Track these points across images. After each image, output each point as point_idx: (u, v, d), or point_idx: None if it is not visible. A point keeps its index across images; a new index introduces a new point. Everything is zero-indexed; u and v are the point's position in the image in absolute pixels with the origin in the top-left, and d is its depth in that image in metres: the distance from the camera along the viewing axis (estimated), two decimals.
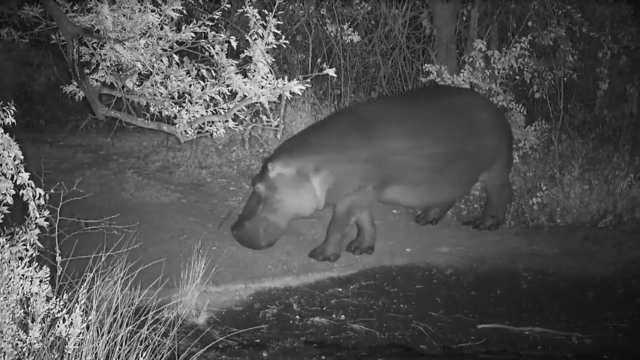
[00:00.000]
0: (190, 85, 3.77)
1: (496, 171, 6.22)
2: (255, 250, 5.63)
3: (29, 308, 2.94)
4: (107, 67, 3.80)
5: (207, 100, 3.75)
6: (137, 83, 3.86)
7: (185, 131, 3.80)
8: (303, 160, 5.49)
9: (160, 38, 3.63)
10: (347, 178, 5.57)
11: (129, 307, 3.37)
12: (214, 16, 3.60)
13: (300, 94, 3.50)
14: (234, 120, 3.77)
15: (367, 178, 5.59)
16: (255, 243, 5.64)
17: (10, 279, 2.92)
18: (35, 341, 2.89)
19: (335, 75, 3.51)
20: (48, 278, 3.01)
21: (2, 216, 3.03)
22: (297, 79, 3.46)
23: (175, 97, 3.81)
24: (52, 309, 2.97)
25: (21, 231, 3.08)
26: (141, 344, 3.13)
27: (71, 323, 2.94)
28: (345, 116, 5.92)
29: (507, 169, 6.43)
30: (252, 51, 3.47)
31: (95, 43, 3.78)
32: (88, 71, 3.82)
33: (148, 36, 3.60)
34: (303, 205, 5.62)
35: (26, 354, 2.89)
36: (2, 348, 2.83)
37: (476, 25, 7.64)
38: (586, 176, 6.89)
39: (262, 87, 3.52)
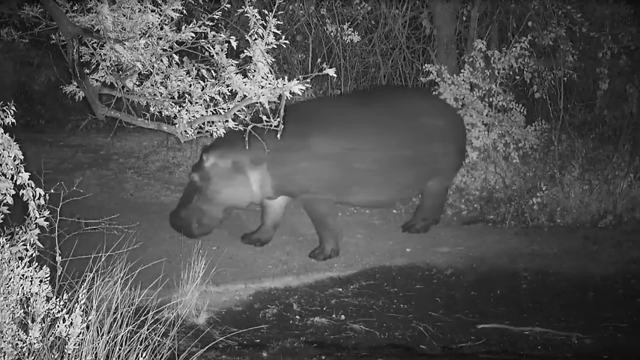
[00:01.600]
0: (190, 85, 3.77)
1: (446, 176, 6.20)
2: (190, 238, 5.62)
3: (29, 308, 2.94)
4: (107, 67, 3.79)
5: (207, 100, 3.75)
6: (137, 83, 3.86)
7: (185, 131, 3.79)
8: (240, 152, 5.47)
9: (160, 38, 3.63)
10: (284, 175, 5.62)
11: (129, 307, 3.37)
12: (214, 16, 3.59)
13: (300, 94, 3.50)
14: (234, 120, 3.76)
15: (307, 176, 5.64)
16: (189, 231, 5.69)
17: (10, 279, 2.92)
18: (35, 341, 2.89)
19: (335, 75, 3.50)
20: (48, 278, 3.01)
21: (2, 216, 3.03)
22: (297, 79, 3.46)
23: (175, 97, 3.81)
24: (52, 309, 2.97)
25: (21, 231, 3.08)
26: (141, 344, 3.13)
27: (71, 323, 2.94)
28: (289, 114, 5.97)
29: (453, 175, 6.39)
30: (252, 51, 3.47)
31: (95, 43, 3.77)
32: (88, 71, 3.82)
33: (148, 36, 3.59)
34: (237, 196, 5.69)
35: (26, 354, 2.89)
36: (2, 348, 2.83)
37: (476, 25, 7.63)
38: (586, 176, 6.89)
39: (262, 87, 3.52)
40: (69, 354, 2.94)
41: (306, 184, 5.62)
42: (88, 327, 3.01)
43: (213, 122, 3.82)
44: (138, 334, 3.17)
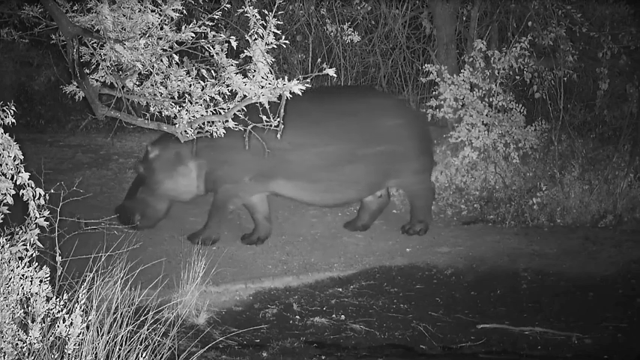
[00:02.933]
0: (190, 85, 3.77)
1: (410, 177, 6.11)
2: (134, 229, 5.62)
3: (29, 308, 2.94)
4: (107, 67, 3.79)
5: (207, 100, 3.75)
6: (137, 83, 3.85)
7: (185, 131, 3.79)
8: (183, 145, 5.52)
9: (160, 38, 3.63)
10: (223, 168, 5.71)
11: (129, 307, 3.37)
12: (214, 16, 3.59)
13: (300, 94, 3.50)
14: (234, 120, 3.76)
15: (245, 170, 5.67)
16: (132, 223, 5.72)
17: (10, 279, 2.92)
18: (35, 341, 2.89)
19: (335, 75, 3.50)
20: (48, 278, 3.01)
21: (2, 216, 3.03)
22: (297, 79, 3.45)
23: (175, 97, 3.81)
24: (52, 309, 2.97)
25: (21, 231, 3.08)
26: (141, 344, 3.13)
27: (71, 323, 2.94)
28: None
29: (423, 174, 6.24)
30: (252, 51, 3.46)
31: (95, 43, 3.77)
32: (88, 71, 3.81)
33: (148, 36, 3.59)
34: (180, 188, 5.79)
35: (26, 354, 2.89)
36: (2, 348, 2.83)
37: (476, 25, 7.64)
38: (586, 176, 6.89)
39: (262, 87, 3.52)
40: (69, 354, 2.94)
41: (241, 176, 5.70)
42: (88, 327, 3.01)
43: (213, 122, 3.81)
44: (138, 334, 3.17)
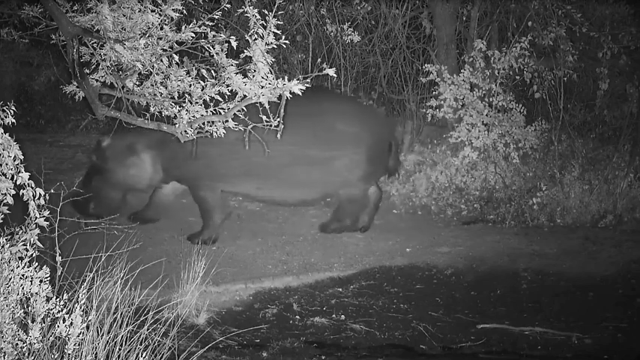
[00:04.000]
0: (190, 85, 3.77)
1: (357, 184, 6.05)
2: (88, 218, 5.58)
3: (29, 308, 2.94)
4: (107, 67, 3.79)
5: (207, 100, 3.75)
6: (137, 83, 3.85)
7: (185, 131, 3.79)
8: (136, 136, 5.64)
9: (160, 38, 3.63)
10: (174, 161, 5.79)
11: (129, 307, 3.37)
12: (214, 16, 3.59)
13: (300, 94, 3.50)
14: (234, 120, 3.76)
15: (195, 163, 5.72)
16: (86, 212, 5.77)
17: (10, 279, 2.92)
18: (35, 341, 2.89)
19: (335, 75, 3.50)
20: (48, 278, 3.00)
21: (2, 216, 3.03)
22: (297, 79, 3.45)
23: (175, 97, 3.81)
24: (52, 309, 2.97)
25: (21, 231, 3.08)
26: (141, 344, 3.13)
27: (71, 323, 2.94)
28: None
29: (369, 183, 6.19)
30: (252, 51, 3.46)
31: (95, 43, 3.77)
32: (88, 71, 3.81)
33: (148, 36, 3.59)
34: (132, 178, 5.88)
35: (26, 354, 2.89)
36: (2, 348, 2.83)
37: (476, 25, 7.64)
38: (586, 176, 6.89)
39: (262, 87, 3.51)
40: (69, 354, 2.94)
41: (193, 170, 5.76)
42: (88, 327, 3.01)
43: (213, 122, 3.81)
44: (138, 334, 3.17)
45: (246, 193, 6.15)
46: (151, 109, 3.87)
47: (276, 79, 3.50)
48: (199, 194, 5.91)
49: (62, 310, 2.97)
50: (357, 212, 6.25)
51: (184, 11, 3.63)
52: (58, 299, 2.99)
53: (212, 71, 3.73)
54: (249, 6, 3.41)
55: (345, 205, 6.18)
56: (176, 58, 3.72)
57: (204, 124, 3.82)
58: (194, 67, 3.78)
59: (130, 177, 5.89)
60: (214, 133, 3.82)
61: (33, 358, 2.91)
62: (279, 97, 3.52)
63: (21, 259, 3.00)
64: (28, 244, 3.05)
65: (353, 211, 6.24)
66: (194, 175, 5.82)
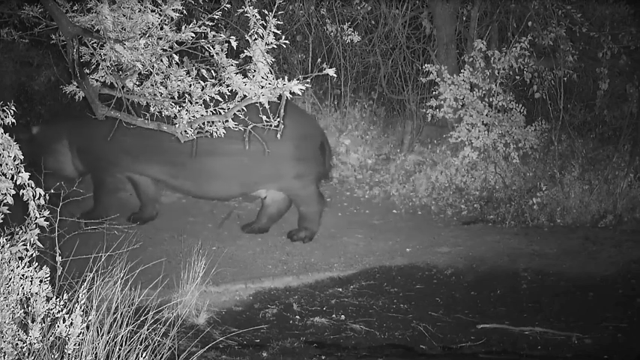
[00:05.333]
0: (190, 85, 3.76)
1: (289, 182, 5.93)
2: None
3: (29, 308, 2.94)
4: (107, 67, 3.79)
5: (207, 100, 3.75)
6: (137, 83, 3.85)
7: (185, 131, 3.79)
8: (60, 125, 6.01)
9: (160, 38, 3.63)
10: (85, 151, 6.01)
11: (129, 307, 3.37)
12: (214, 16, 3.59)
13: (300, 94, 3.49)
14: (234, 120, 3.76)
15: (107, 156, 5.87)
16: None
17: (10, 279, 2.92)
18: (35, 341, 2.89)
19: (335, 75, 3.50)
20: (48, 278, 3.00)
21: (2, 216, 3.03)
22: (297, 79, 3.45)
23: (175, 97, 3.81)
24: (52, 309, 2.97)
25: (21, 231, 3.08)
26: (141, 344, 3.13)
27: (71, 323, 2.94)
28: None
29: (304, 180, 5.99)
30: (252, 51, 3.46)
31: (95, 43, 3.77)
32: (88, 71, 3.81)
33: (148, 36, 3.59)
34: (57, 165, 5.97)
35: (26, 354, 2.89)
36: (2, 348, 2.83)
37: (476, 25, 7.64)
38: (586, 176, 6.89)
39: (262, 87, 3.51)
40: (69, 354, 2.94)
41: (99, 153, 5.93)
42: (88, 327, 3.01)
43: (213, 122, 3.81)
44: (138, 334, 3.17)
45: (162, 180, 6.08)
46: (151, 109, 3.87)
47: (276, 79, 3.50)
48: (96, 174, 6.09)
49: (62, 310, 2.97)
50: (317, 212, 6.14)
51: (184, 11, 3.63)
52: (58, 299, 2.99)
53: (212, 71, 3.73)
54: (249, 6, 3.41)
55: (303, 208, 6.06)
56: (176, 58, 3.72)
57: (204, 124, 3.82)
58: (194, 67, 3.78)
59: (56, 164, 5.98)
60: (214, 133, 3.82)
61: (33, 358, 2.91)
62: (279, 97, 3.52)
63: (21, 259, 3.00)
64: (28, 244, 3.05)
65: (314, 212, 6.10)
66: (97, 157, 6.01)
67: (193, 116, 3.77)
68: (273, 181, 5.92)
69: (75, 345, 2.94)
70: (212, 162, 5.74)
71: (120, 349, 3.10)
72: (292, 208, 6.29)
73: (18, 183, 3.06)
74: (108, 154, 5.90)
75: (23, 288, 2.93)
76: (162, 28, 3.60)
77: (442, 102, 7.20)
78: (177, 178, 5.92)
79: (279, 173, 5.85)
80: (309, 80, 3.48)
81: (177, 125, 3.79)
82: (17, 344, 2.87)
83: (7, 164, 3.06)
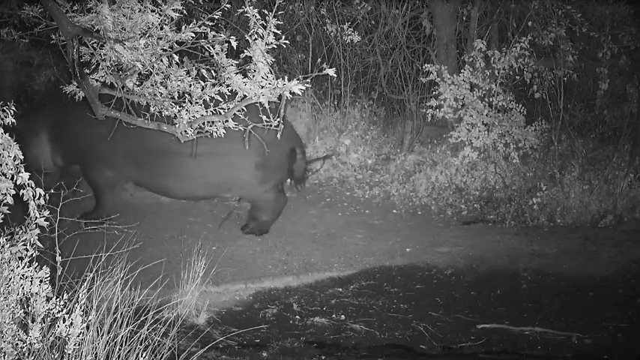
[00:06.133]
0: (190, 85, 3.77)
1: (249, 189, 5.99)
2: None
3: (29, 308, 2.94)
4: (107, 67, 3.79)
5: (207, 100, 3.75)
6: (137, 83, 3.85)
7: (185, 131, 3.79)
8: (39, 117, 6.03)
9: (160, 38, 3.63)
10: (64, 145, 6.03)
11: (129, 307, 3.37)
12: (214, 16, 3.59)
13: (300, 94, 3.50)
14: (234, 120, 3.76)
15: (86, 152, 5.92)
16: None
17: (10, 279, 2.92)
18: (35, 341, 2.89)
19: (335, 75, 3.50)
20: (48, 278, 3.01)
21: (2, 216, 3.03)
22: (297, 79, 3.45)
23: (175, 97, 3.81)
24: (52, 309, 2.97)
25: (21, 231, 3.08)
26: (141, 344, 3.13)
27: (71, 323, 2.94)
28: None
29: (265, 189, 6.02)
30: (252, 51, 3.46)
31: (95, 43, 3.77)
32: (88, 71, 3.82)
33: (148, 36, 3.59)
34: (34, 158, 5.96)
35: (26, 354, 2.89)
36: (2, 348, 2.83)
37: (476, 25, 7.64)
38: (586, 176, 6.89)
39: (262, 87, 3.51)
40: (69, 354, 2.94)
41: (83, 152, 5.97)
42: (88, 327, 3.01)
43: (213, 122, 3.81)
44: (138, 334, 3.17)
45: (138, 181, 6.12)
46: (151, 109, 3.88)
47: (276, 79, 3.50)
48: (88, 173, 6.07)
49: (62, 310, 2.97)
50: (278, 207, 6.16)
51: (184, 11, 3.63)
52: (58, 299, 2.99)
53: (212, 71, 3.73)
54: (249, 6, 3.42)
55: (256, 206, 6.10)
56: (176, 58, 3.72)
57: (204, 124, 3.82)
58: (194, 67, 3.78)
59: (33, 157, 5.98)
60: (214, 133, 3.82)
61: (33, 358, 2.91)
62: (279, 97, 3.52)
63: (21, 259, 3.00)
64: (28, 244, 3.05)
65: (269, 210, 6.12)
66: (83, 156, 6.04)
67: (193, 116, 3.77)
68: (235, 186, 5.94)
69: (75, 345, 2.94)
70: (179, 162, 5.76)
71: (120, 349, 3.10)
72: (293, 209, 6.30)
73: (18, 183, 3.06)
74: (84, 148, 5.94)
75: (23, 288, 2.93)
76: (162, 28, 3.60)
77: (442, 102, 7.20)
78: (152, 178, 5.95)
79: (240, 178, 5.88)
80: (309, 80, 3.48)
81: (177, 125, 3.79)
82: (17, 344, 2.87)
83: (7, 164, 3.06)
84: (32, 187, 3.10)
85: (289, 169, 6.12)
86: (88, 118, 5.62)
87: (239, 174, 5.86)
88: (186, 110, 3.76)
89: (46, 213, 3.12)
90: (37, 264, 3.01)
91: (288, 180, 6.27)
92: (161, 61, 3.69)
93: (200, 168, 5.76)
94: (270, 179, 6.02)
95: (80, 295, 3.06)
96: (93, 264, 3.57)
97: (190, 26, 3.60)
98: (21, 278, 2.94)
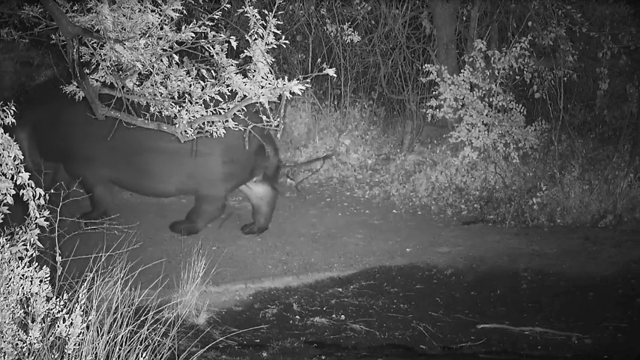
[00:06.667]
0: (190, 85, 3.76)
1: (205, 185, 5.93)
2: None
3: (29, 308, 2.94)
4: (107, 67, 3.79)
5: (207, 100, 3.75)
6: (137, 83, 3.85)
7: (185, 131, 3.79)
8: (24, 111, 5.85)
9: (160, 38, 3.63)
10: (41, 141, 6.02)
11: (129, 307, 3.37)
12: (214, 16, 3.59)
13: (300, 94, 3.49)
14: (234, 120, 3.76)
15: (62, 148, 5.91)
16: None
17: (10, 279, 2.92)
18: (35, 341, 2.89)
19: (335, 75, 3.50)
20: (48, 278, 3.00)
21: (2, 216, 3.03)
22: (297, 79, 3.45)
23: (175, 97, 3.81)
24: (52, 309, 2.97)
25: (21, 231, 3.08)
26: (141, 344, 3.13)
27: (71, 323, 2.93)
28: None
29: (225, 183, 5.98)
30: (252, 51, 3.46)
31: (95, 43, 3.77)
32: (88, 71, 3.81)
33: (148, 36, 3.59)
34: (22, 151, 5.94)
35: (26, 354, 2.89)
36: (2, 348, 2.83)
37: (476, 25, 7.64)
38: (586, 176, 6.89)
39: (262, 87, 3.51)
40: (69, 354, 2.94)
41: (61, 150, 5.95)
42: (88, 327, 3.01)
43: (213, 122, 3.81)
44: (138, 334, 3.17)
45: (111, 178, 6.10)
46: (151, 109, 3.87)
47: (276, 79, 3.50)
48: (72, 172, 5.99)
49: (62, 310, 2.97)
50: (216, 214, 6.09)
51: (184, 11, 3.63)
52: (58, 299, 2.99)
53: (212, 71, 3.73)
54: (249, 6, 3.42)
55: (200, 205, 6.03)
56: (176, 58, 3.72)
57: (204, 124, 3.82)
58: (194, 67, 3.78)
59: (25, 151, 5.95)
60: (214, 133, 3.82)
61: (33, 358, 2.91)
62: (279, 97, 3.52)
63: (21, 259, 3.00)
64: (28, 244, 3.05)
65: (209, 213, 6.06)
66: (62, 154, 6.01)
67: (193, 116, 3.77)
68: (201, 183, 5.89)
69: (75, 345, 2.94)
70: (149, 160, 5.78)
71: (120, 349, 3.10)
72: (293, 209, 6.30)
73: (18, 183, 3.06)
74: (62, 146, 5.94)
75: (23, 288, 2.93)
76: (162, 28, 3.60)
77: (442, 102, 7.20)
78: (122, 174, 5.96)
79: (206, 174, 5.84)
80: (309, 80, 3.48)
81: (177, 125, 3.79)
82: (17, 344, 2.87)
83: (7, 164, 3.06)
84: (32, 187, 3.09)
85: (259, 167, 6.01)
86: (66, 116, 5.65)
87: (205, 171, 5.81)
88: (186, 110, 3.76)
89: (46, 213, 3.12)
90: (37, 264, 3.01)
91: (260, 176, 6.17)
92: (161, 61, 3.69)
93: (168, 165, 5.77)
94: (235, 177, 5.97)
95: (80, 295, 3.06)
96: (93, 264, 3.57)
97: (190, 26, 3.60)
98: (21, 278, 2.94)
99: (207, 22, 3.58)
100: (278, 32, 3.47)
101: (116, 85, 3.84)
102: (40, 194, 3.11)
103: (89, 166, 5.97)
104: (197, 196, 6.05)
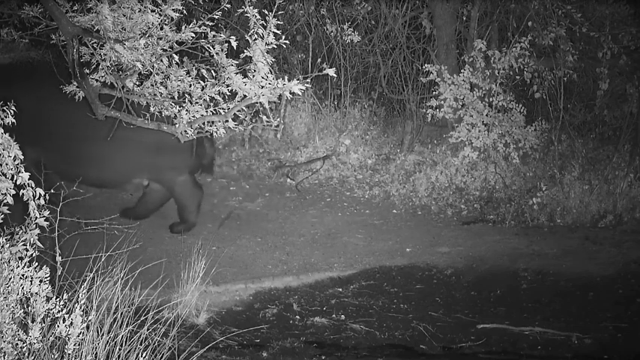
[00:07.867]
0: (190, 85, 3.77)
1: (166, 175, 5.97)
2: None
3: (29, 308, 2.94)
4: (107, 67, 3.79)
5: (207, 100, 3.75)
6: (137, 83, 3.85)
7: (185, 131, 3.79)
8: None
9: (160, 38, 3.63)
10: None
11: (129, 307, 3.37)
12: (214, 16, 3.59)
13: (300, 94, 3.50)
14: (234, 120, 3.76)
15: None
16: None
17: (10, 279, 2.92)
18: (35, 341, 2.89)
19: (335, 75, 3.51)
20: (48, 278, 3.00)
21: (2, 216, 3.03)
22: (297, 79, 3.46)
23: (175, 97, 3.81)
24: (52, 309, 2.97)
25: (21, 231, 3.08)
26: (141, 344, 3.13)
27: (71, 323, 2.94)
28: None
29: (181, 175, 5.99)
30: (252, 51, 3.47)
31: (95, 43, 3.77)
32: (88, 71, 3.82)
33: (148, 36, 3.59)
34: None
35: (26, 354, 2.89)
36: (2, 348, 2.83)
37: (476, 25, 7.64)
38: (586, 176, 6.89)
39: (262, 87, 3.52)
40: (69, 354, 2.94)
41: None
42: (88, 327, 3.01)
43: (213, 122, 3.82)
44: (138, 334, 3.17)
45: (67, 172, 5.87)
46: (151, 109, 3.88)
47: (276, 79, 3.51)
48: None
49: (62, 310, 2.97)
50: (195, 200, 6.07)
51: (184, 11, 3.63)
52: (58, 299, 2.99)
53: (212, 71, 3.73)
54: (249, 6, 3.42)
55: (179, 202, 6.04)
56: (176, 58, 3.72)
57: (204, 124, 3.82)
58: (194, 67, 3.78)
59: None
60: (214, 133, 3.83)
61: (33, 358, 2.91)
62: (279, 97, 3.52)
63: (21, 259, 3.00)
64: (28, 244, 3.05)
65: (187, 206, 6.05)
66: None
67: (193, 116, 3.77)
68: (146, 173, 5.89)
69: (75, 345, 2.94)
70: (102, 151, 5.68)
71: (120, 349, 3.10)
72: (293, 209, 6.29)
73: (18, 183, 3.06)
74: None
75: (23, 288, 2.93)
76: (162, 28, 3.60)
77: (442, 102, 7.20)
78: (80, 169, 5.76)
79: (149, 165, 5.81)
80: (309, 80, 3.48)
81: (177, 125, 3.79)
82: (17, 344, 2.87)
83: (7, 164, 3.06)
84: (32, 187, 3.10)
85: (197, 156, 5.98)
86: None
87: (146, 161, 5.77)
88: (186, 110, 3.76)
89: (46, 213, 3.12)
90: (37, 264, 3.01)
91: (200, 169, 6.18)
92: (161, 61, 3.70)
93: (112, 155, 5.68)
94: (178, 166, 5.94)
95: (80, 295, 3.06)
96: (93, 264, 3.57)
97: (190, 26, 3.61)
98: (21, 278, 2.94)
99: (207, 22, 3.59)
100: (278, 32, 3.47)
101: (116, 85, 3.84)
102: (40, 194, 3.11)
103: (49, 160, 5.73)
104: (173, 194, 6.02)
